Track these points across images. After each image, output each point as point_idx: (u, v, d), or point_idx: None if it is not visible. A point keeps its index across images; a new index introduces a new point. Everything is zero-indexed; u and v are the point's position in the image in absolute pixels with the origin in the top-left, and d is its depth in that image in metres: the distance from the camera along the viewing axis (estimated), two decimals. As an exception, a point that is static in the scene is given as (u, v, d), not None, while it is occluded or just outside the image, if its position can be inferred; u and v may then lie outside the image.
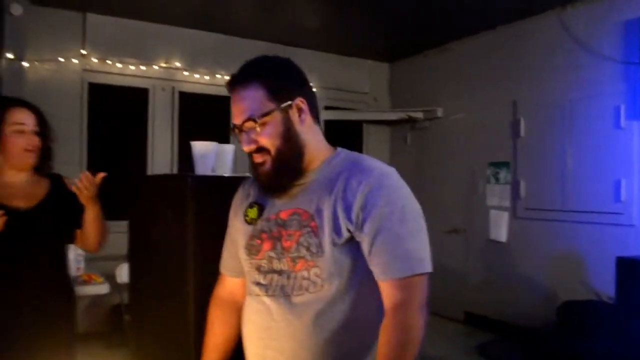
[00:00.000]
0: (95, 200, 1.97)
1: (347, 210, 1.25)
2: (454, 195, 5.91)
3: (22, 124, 1.92)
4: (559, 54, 4.84)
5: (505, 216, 5.33)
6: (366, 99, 6.82)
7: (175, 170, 5.58)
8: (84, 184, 1.91)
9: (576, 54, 4.69)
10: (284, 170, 1.30)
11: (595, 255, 4.43)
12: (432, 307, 1.26)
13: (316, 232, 1.26)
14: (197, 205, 1.80)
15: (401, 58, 6.67)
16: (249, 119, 1.28)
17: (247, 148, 1.30)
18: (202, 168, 1.98)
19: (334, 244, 1.24)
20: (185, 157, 5.65)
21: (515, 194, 5.23)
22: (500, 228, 5.36)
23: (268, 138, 1.28)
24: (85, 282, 3.72)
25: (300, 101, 1.32)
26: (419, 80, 6.44)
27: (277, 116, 1.28)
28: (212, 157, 2.00)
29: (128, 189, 2.35)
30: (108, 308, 4.81)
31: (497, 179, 5.44)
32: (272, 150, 1.29)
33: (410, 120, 6.37)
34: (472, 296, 5.58)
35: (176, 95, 5.64)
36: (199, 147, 1.99)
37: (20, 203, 1.92)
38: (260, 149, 1.29)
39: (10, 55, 4.73)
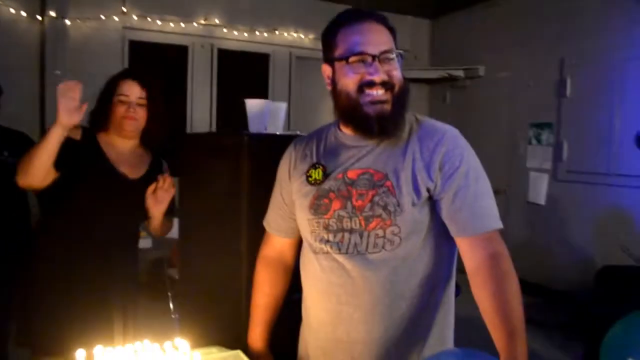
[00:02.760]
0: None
1: (427, 170, 1.27)
2: (494, 156, 5.77)
3: (126, 95, 2.04)
4: (612, 10, 4.64)
5: (545, 178, 5.24)
6: (406, 57, 6.68)
7: (214, 128, 5.62)
8: (164, 187, 2.02)
9: (630, 10, 4.48)
10: (398, 114, 1.31)
11: (638, 220, 4.34)
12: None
13: (393, 191, 1.27)
14: (251, 162, 1.81)
15: (443, 14, 6.50)
16: (392, 50, 1.29)
17: (379, 78, 1.27)
18: (256, 125, 1.97)
19: (413, 204, 1.26)
20: (224, 114, 5.69)
21: (557, 156, 5.13)
22: (539, 190, 5.28)
23: (398, 73, 1.30)
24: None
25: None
26: (461, 37, 6.28)
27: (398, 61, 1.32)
28: (266, 114, 2.00)
29: (172, 146, 2.37)
30: (149, 262, 4.96)
31: (539, 140, 5.33)
32: (397, 87, 1.30)
33: (450, 79, 6.25)
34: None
35: (215, 53, 5.63)
36: (254, 104, 1.98)
37: (126, 171, 2.06)
38: (386, 84, 1.29)
39: (53, 14, 4.77)
